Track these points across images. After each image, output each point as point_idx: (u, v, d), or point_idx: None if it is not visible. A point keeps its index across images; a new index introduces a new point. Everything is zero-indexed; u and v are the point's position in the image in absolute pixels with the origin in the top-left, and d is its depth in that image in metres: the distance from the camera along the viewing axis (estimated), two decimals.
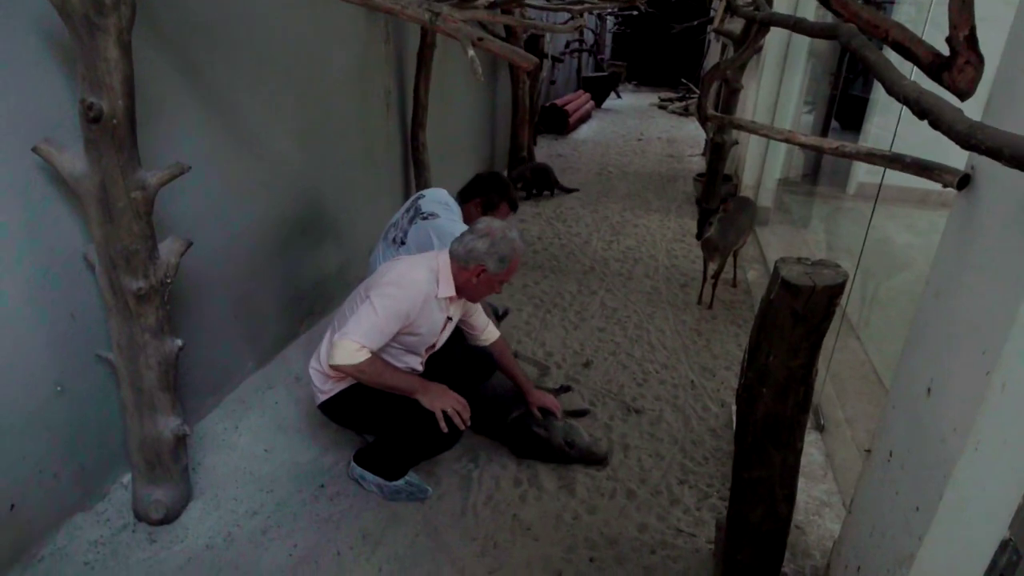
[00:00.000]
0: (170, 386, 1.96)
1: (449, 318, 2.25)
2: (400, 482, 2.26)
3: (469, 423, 2.11)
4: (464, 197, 2.82)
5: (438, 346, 2.32)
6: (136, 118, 1.66)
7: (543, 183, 6.17)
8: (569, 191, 6.35)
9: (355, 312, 2.04)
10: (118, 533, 2.02)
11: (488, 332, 2.47)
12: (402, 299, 2.04)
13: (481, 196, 2.79)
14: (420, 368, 2.31)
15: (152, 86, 1.99)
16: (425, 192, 2.85)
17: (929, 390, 1.31)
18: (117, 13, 1.52)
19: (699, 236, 3.73)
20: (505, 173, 6.48)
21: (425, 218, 2.69)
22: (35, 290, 1.78)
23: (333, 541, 2.08)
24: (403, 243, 2.71)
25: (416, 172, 4.13)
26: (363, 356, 1.97)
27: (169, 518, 2.07)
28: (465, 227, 2.57)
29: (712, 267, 3.94)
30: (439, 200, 2.78)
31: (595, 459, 2.46)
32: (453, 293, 2.15)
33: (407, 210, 2.79)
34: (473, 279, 2.12)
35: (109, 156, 1.63)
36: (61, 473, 1.95)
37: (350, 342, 1.97)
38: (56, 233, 1.81)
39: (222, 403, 2.61)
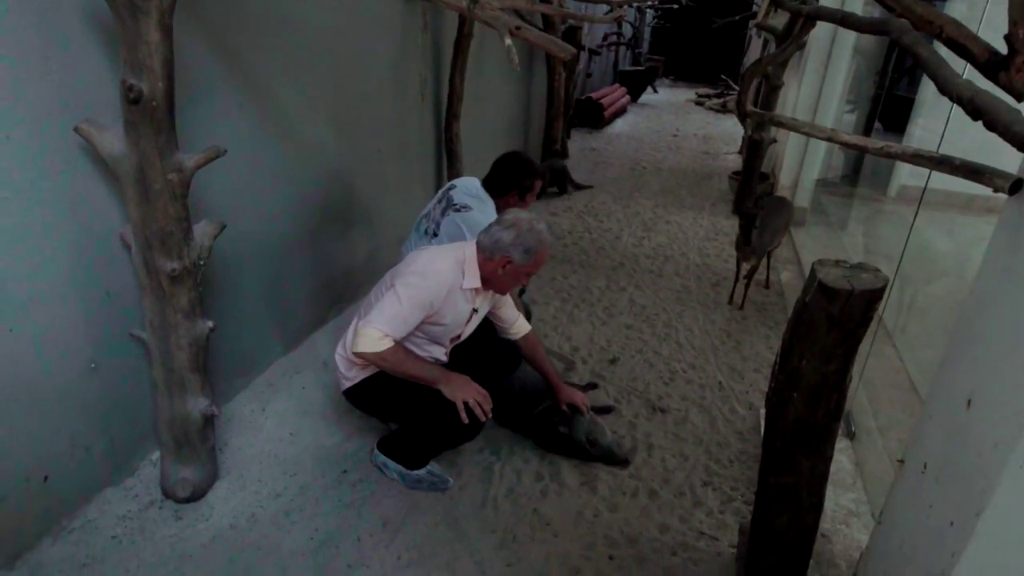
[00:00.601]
0: (200, 367, 1.99)
1: (475, 310, 2.24)
2: (422, 471, 2.27)
3: (490, 415, 2.10)
4: (496, 190, 2.79)
5: (463, 337, 2.31)
6: (175, 101, 1.68)
7: (557, 182, 6.09)
8: (582, 188, 6.25)
9: (379, 301, 2.05)
10: (145, 509, 2.06)
11: (518, 326, 2.45)
12: (426, 289, 2.04)
13: (515, 187, 2.76)
14: (445, 359, 2.31)
15: (191, 70, 2.01)
16: (456, 182, 2.84)
17: (969, 402, 1.26)
18: None
19: (747, 242, 3.67)
20: None
21: (458, 210, 2.69)
22: (72, 268, 1.82)
23: (354, 526, 2.10)
24: (435, 235, 2.71)
25: (449, 163, 4.12)
26: (386, 344, 1.98)
27: (195, 496, 2.11)
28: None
29: (746, 267, 3.88)
30: (471, 191, 2.77)
31: (616, 460, 2.44)
32: (479, 284, 2.14)
33: (439, 201, 2.79)
34: (499, 270, 2.11)
35: (147, 138, 1.65)
36: (93, 448, 1.99)
37: (373, 330, 1.97)
38: (93, 213, 1.84)
39: (250, 385, 2.64)
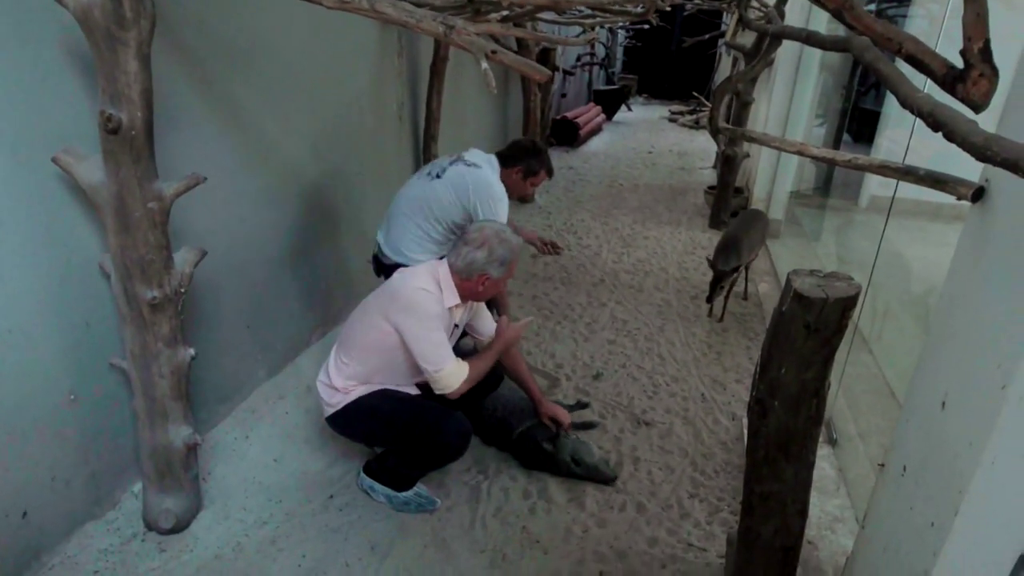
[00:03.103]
0: (182, 395, 1.97)
1: (456, 325, 2.26)
2: (409, 493, 2.25)
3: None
4: (504, 162, 2.86)
5: None
6: (154, 130, 1.69)
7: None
8: None
9: (417, 346, 2.06)
10: (128, 542, 2.02)
11: None
12: (429, 309, 2.08)
13: (522, 164, 2.85)
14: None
15: (170, 98, 2.01)
16: (465, 152, 2.89)
17: (944, 404, 1.30)
18: (137, 27, 1.54)
19: (708, 299, 3.76)
20: None
21: (468, 165, 2.74)
22: (51, 298, 1.80)
23: (342, 552, 2.08)
24: (439, 177, 2.75)
25: None
26: (463, 368, 2.10)
27: (179, 527, 2.08)
28: (500, 187, 2.70)
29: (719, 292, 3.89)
30: (482, 156, 2.85)
31: (601, 479, 2.44)
32: (458, 301, 2.17)
33: (448, 157, 2.85)
34: (479, 288, 2.16)
35: (127, 167, 1.65)
36: (73, 481, 1.96)
37: (446, 369, 2.06)
38: (72, 242, 1.83)
39: (233, 412, 2.62)
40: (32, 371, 1.78)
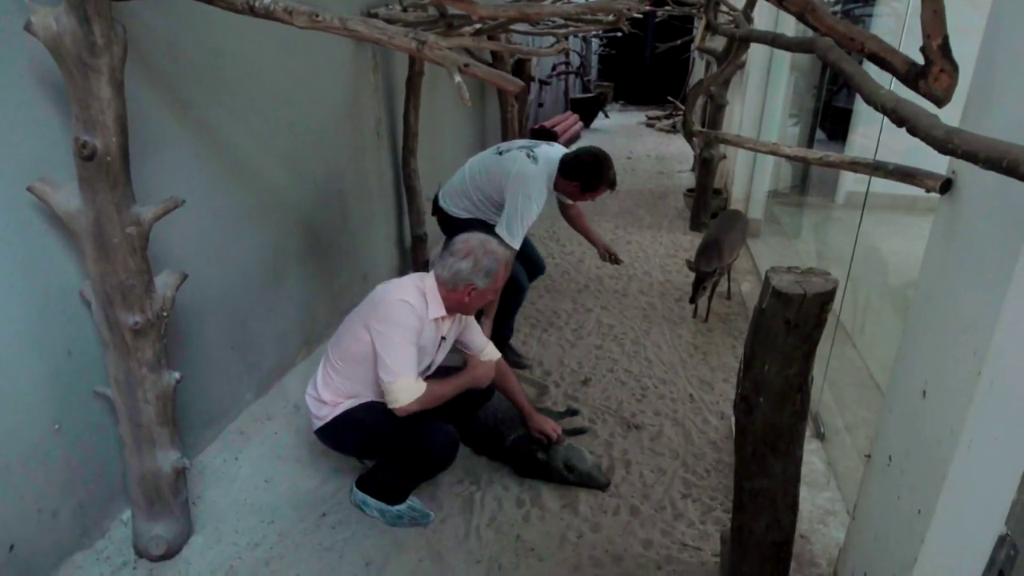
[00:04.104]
0: (168, 420, 1.96)
1: (443, 338, 2.26)
2: (402, 507, 2.25)
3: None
4: (564, 172, 2.98)
5: (433, 367, 2.33)
6: (130, 154, 1.68)
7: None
8: None
9: (383, 353, 2.05)
10: (118, 571, 2.00)
11: (487, 353, 2.47)
12: (407, 322, 2.07)
13: (580, 180, 2.97)
14: None
15: (146, 123, 2.01)
16: (541, 144, 3.07)
17: (924, 393, 1.32)
18: (109, 53, 1.55)
19: (692, 300, 3.77)
20: None
21: (528, 156, 2.93)
22: (31, 327, 1.78)
23: (336, 570, 2.06)
24: (501, 154, 3.05)
25: (408, 198, 4.15)
26: (421, 387, 2.06)
27: (170, 553, 2.05)
28: (537, 189, 2.89)
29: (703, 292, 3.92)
30: (551, 159, 2.99)
31: (595, 485, 2.45)
32: (443, 313, 2.17)
33: (522, 142, 3.08)
34: (465, 298, 2.15)
35: (103, 193, 1.64)
36: (60, 511, 1.93)
37: (402, 381, 2.03)
38: (52, 270, 1.82)
39: (221, 435, 2.60)
40: (14, 402, 1.76)
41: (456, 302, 2.16)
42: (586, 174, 2.97)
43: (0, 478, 1.74)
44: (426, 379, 2.14)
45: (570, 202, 3.42)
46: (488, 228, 2.94)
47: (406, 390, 2.03)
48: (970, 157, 0.89)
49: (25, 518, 1.83)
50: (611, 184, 3.04)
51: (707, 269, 3.70)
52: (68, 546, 1.99)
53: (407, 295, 2.11)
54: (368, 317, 2.12)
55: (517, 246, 2.91)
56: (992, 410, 1.07)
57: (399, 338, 2.05)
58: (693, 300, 3.79)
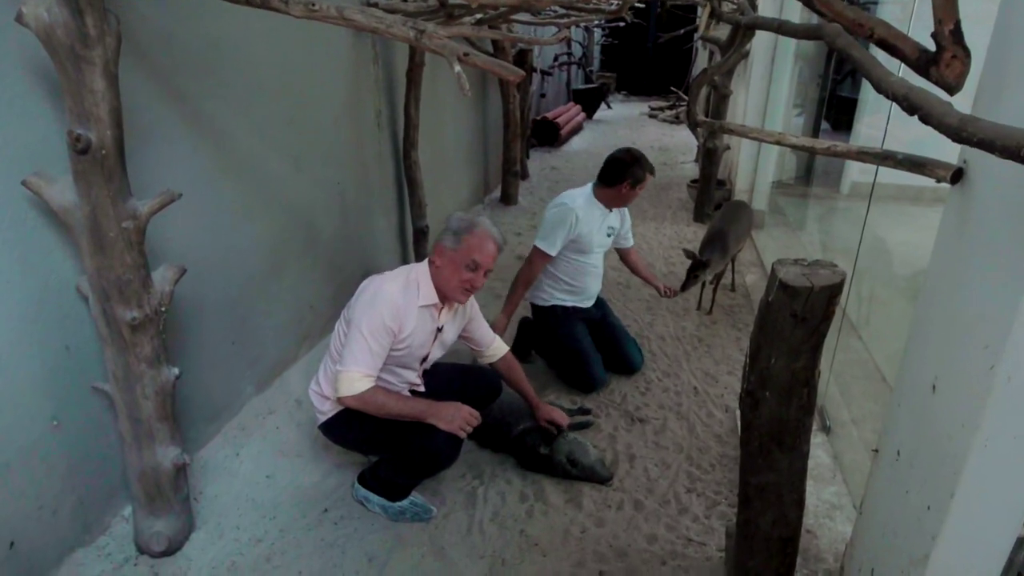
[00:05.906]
0: (168, 415, 1.94)
1: (439, 328, 2.24)
2: (404, 503, 2.23)
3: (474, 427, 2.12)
4: (610, 181, 3.02)
5: (431, 359, 2.31)
6: (125, 148, 1.66)
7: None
8: None
9: (345, 343, 2.06)
10: (120, 567, 1.99)
11: (494, 347, 2.44)
12: (378, 314, 2.04)
13: (628, 178, 2.99)
14: (418, 381, 2.31)
15: (141, 115, 1.98)
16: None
17: (934, 387, 1.30)
18: (102, 45, 1.52)
19: (683, 288, 3.59)
20: (499, 189, 6.50)
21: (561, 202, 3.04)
22: (28, 324, 1.77)
23: (339, 566, 2.05)
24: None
25: (409, 190, 4.13)
26: (365, 384, 2.01)
27: (171, 550, 2.04)
28: (558, 212, 2.99)
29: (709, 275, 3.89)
30: (566, 197, 3.07)
31: (599, 478, 2.43)
32: (435, 300, 2.15)
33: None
34: (437, 262, 2.13)
35: (99, 187, 1.62)
36: (60, 508, 1.92)
37: (348, 372, 1.99)
38: (48, 266, 1.80)
39: (222, 430, 2.58)
40: (13, 398, 1.74)
41: (435, 274, 2.15)
42: (630, 170, 2.99)
43: (0, 475, 1.73)
44: (411, 390, 2.16)
45: (627, 246, 3.45)
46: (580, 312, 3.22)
47: (352, 382, 2.00)
48: (986, 145, 0.86)
49: (25, 515, 1.81)
50: (651, 169, 3.08)
51: (703, 259, 3.61)
52: (69, 542, 1.98)
53: (390, 285, 2.10)
54: (350, 308, 2.14)
55: (552, 252, 3.00)
56: (1010, 407, 1.04)
57: (364, 330, 2.03)
58: (684, 288, 3.67)
